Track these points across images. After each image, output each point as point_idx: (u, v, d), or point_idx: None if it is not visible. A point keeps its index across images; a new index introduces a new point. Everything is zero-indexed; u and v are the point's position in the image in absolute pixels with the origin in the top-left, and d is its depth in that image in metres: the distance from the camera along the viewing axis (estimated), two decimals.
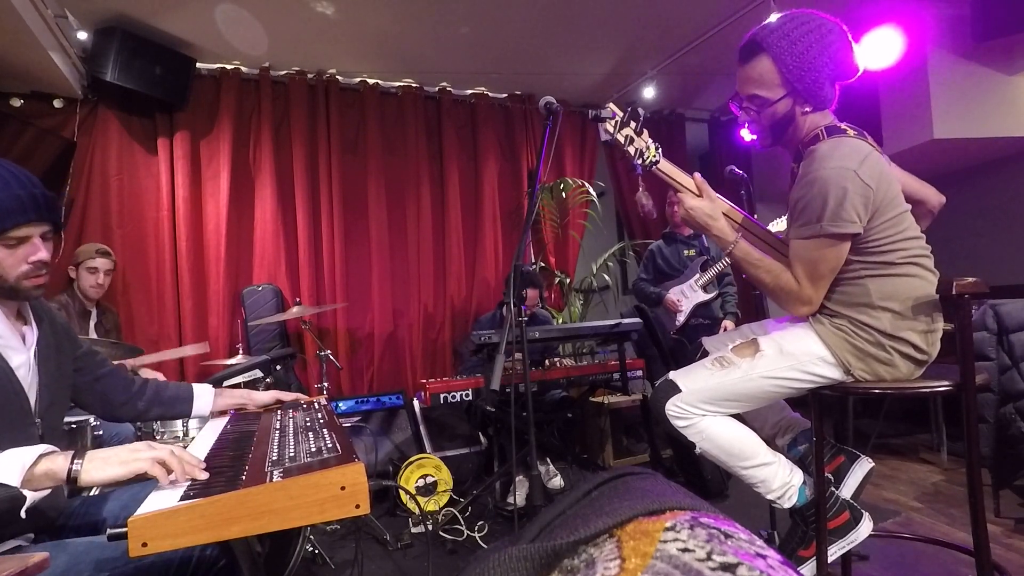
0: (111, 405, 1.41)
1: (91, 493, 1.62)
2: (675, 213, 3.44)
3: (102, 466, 0.96)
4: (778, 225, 2.94)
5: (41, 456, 0.95)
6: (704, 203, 1.51)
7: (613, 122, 1.53)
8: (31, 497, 0.92)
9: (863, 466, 1.59)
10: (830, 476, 1.58)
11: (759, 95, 1.45)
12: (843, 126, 1.44)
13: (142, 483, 1.15)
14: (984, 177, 4.26)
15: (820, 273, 1.40)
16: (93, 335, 2.59)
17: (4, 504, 0.89)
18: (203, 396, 1.53)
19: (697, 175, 1.56)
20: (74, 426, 2.01)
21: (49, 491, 0.96)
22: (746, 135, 4.72)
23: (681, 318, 3.32)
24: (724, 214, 1.53)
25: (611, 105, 1.56)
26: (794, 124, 1.48)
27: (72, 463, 0.95)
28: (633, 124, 1.52)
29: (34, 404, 1.17)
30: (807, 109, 1.45)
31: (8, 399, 1.11)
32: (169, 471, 0.95)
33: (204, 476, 0.96)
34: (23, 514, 0.92)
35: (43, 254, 1.14)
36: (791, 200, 1.45)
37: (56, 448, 0.99)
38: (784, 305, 1.47)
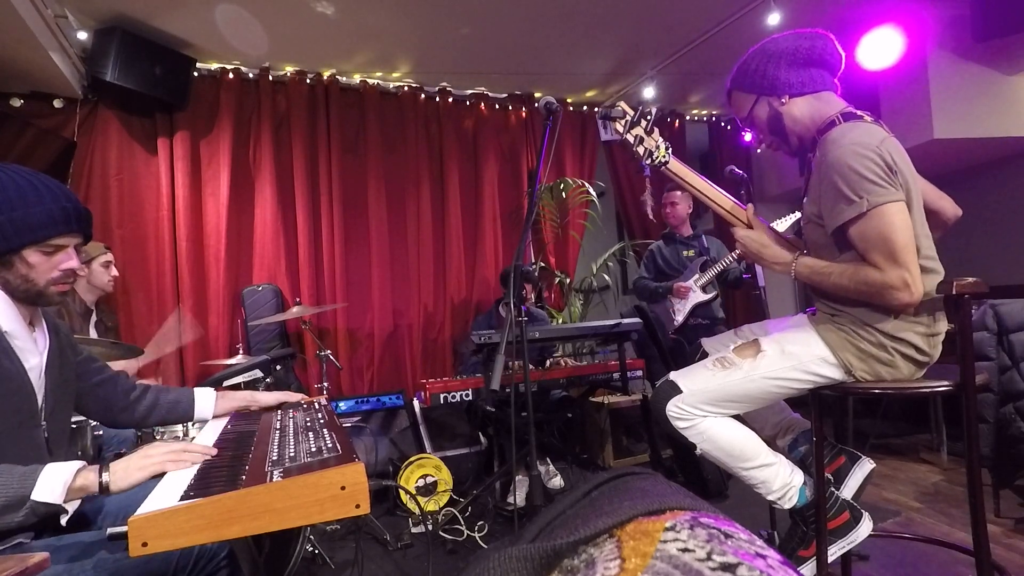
0: (112, 411, 1.41)
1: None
2: (669, 214, 3.44)
3: (124, 475, 1.05)
4: (780, 226, 2.95)
5: (77, 472, 1.02)
6: (753, 233, 1.53)
7: (623, 121, 1.52)
8: (71, 508, 1.02)
9: (864, 467, 1.59)
10: (830, 476, 1.58)
11: (743, 115, 1.58)
12: (860, 112, 1.44)
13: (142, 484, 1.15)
14: (984, 177, 4.26)
15: (898, 247, 1.27)
16: (93, 334, 2.59)
17: (46, 515, 1.00)
18: (204, 400, 1.53)
19: (750, 207, 1.57)
20: (74, 426, 2.01)
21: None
22: (747, 134, 4.74)
23: (680, 317, 3.32)
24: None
25: (622, 104, 1.55)
26: (788, 118, 1.50)
27: (101, 476, 1.04)
28: (644, 123, 1.51)
29: (41, 407, 1.19)
30: (783, 100, 1.49)
31: (20, 400, 1.13)
32: (188, 459, 1.08)
33: (215, 451, 1.12)
34: (63, 522, 1.02)
35: (75, 263, 1.21)
36: (814, 188, 1.43)
37: (85, 463, 1.05)
38: (879, 300, 1.33)
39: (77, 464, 1.03)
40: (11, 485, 0.97)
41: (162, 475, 1.06)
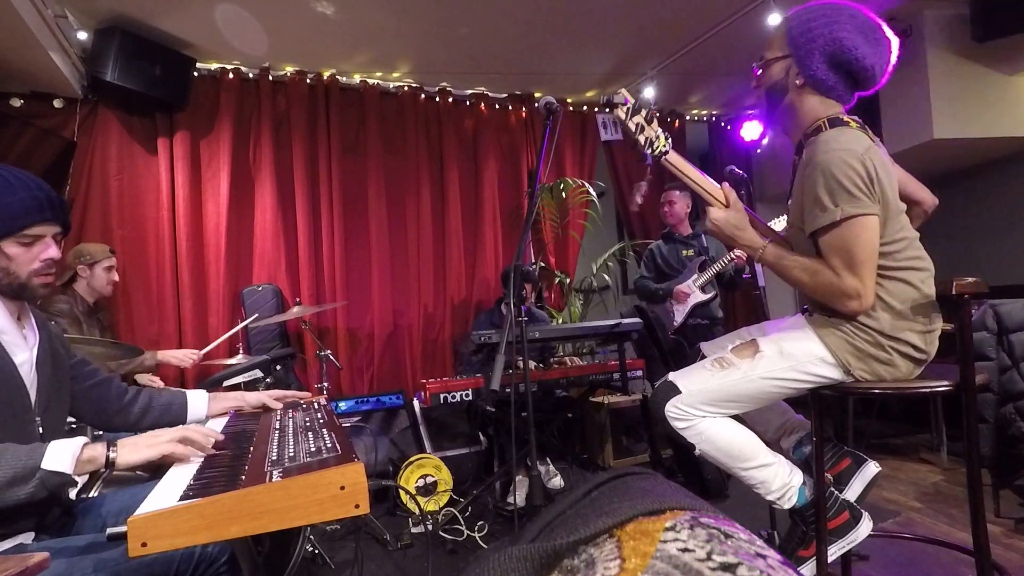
0: (105, 414, 1.41)
1: (91, 494, 1.62)
2: (667, 214, 3.44)
3: (133, 451, 1.07)
4: (778, 225, 2.95)
5: (84, 445, 1.04)
6: (730, 214, 1.51)
7: (625, 108, 1.52)
8: (80, 481, 1.05)
9: (868, 470, 1.58)
10: (831, 477, 1.58)
11: (766, 55, 1.52)
12: (846, 118, 1.43)
13: (141, 484, 1.16)
14: (984, 177, 4.27)
15: (858, 259, 1.31)
16: (96, 334, 2.60)
17: (58, 487, 1.01)
18: (197, 402, 1.53)
19: (725, 185, 1.55)
20: (74, 426, 2.01)
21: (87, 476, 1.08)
22: (747, 134, 4.72)
23: (679, 317, 3.32)
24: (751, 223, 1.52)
25: (623, 91, 1.55)
26: (789, 97, 1.47)
27: (108, 450, 1.05)
28: (644, 112, 1.51)
29: (34, 402, 1.19)
30: (799, 81, 1.44)
31: (11, 393, 1.14)
32: (193, 445, 1.10)
33: (222, 436, 1.16)
34: (72, 495, 1.04)
35: (54, 252, 1.21)
36: (796, 192, 1.44)
37: (88, 438, 1.07)
38: (831, 303, 1.38)
39: (83, 439, 1.05)
40: (19, 457, 0.98)
41: (165, 468, 1.06)
